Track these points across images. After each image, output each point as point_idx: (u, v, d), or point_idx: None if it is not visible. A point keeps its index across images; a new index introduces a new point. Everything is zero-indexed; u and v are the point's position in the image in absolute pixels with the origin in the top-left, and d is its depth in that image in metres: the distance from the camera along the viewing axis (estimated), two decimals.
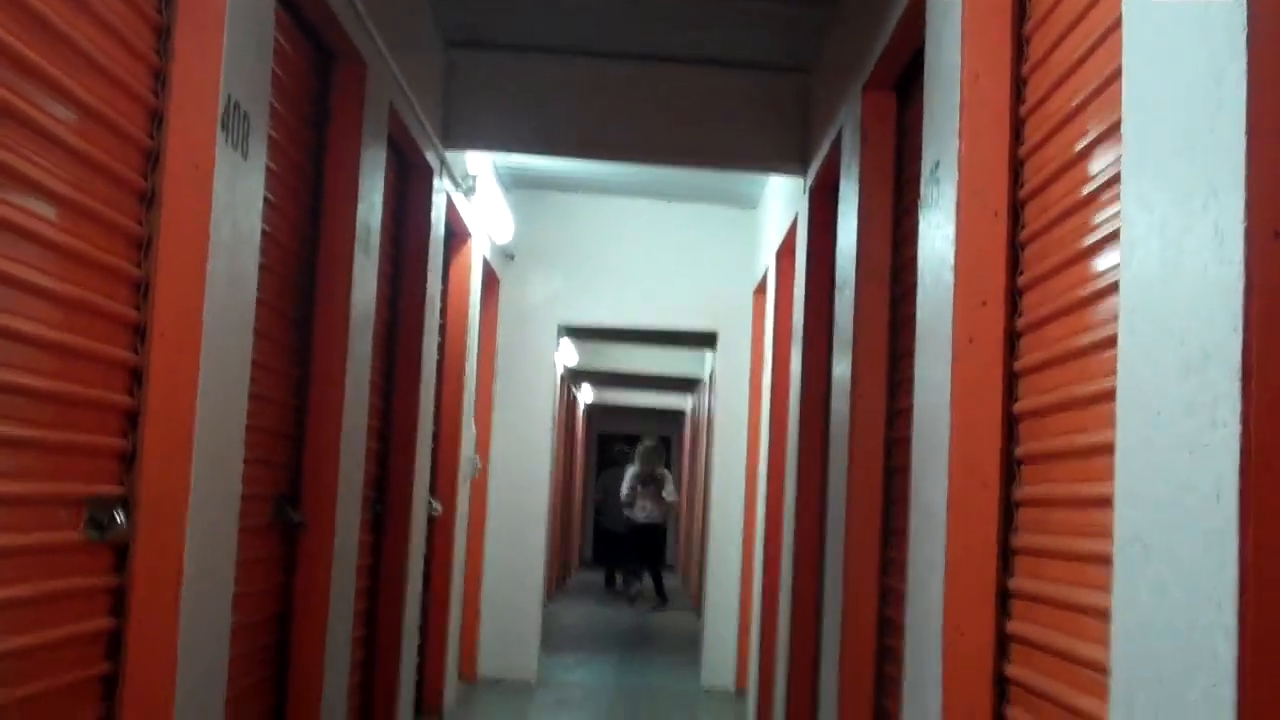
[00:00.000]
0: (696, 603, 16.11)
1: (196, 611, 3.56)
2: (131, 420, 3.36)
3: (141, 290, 3.37)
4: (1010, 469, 3.67)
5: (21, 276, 2.84)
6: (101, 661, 3.34)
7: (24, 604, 2.96)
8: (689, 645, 12.96)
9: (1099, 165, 3.12)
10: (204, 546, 3.59)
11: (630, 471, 18.69)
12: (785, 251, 8.56)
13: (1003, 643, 3.66)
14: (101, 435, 3.27)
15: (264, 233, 4.16)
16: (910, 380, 4.71)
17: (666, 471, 18.78)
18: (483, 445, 10.28)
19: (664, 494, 18.37)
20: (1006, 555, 3.67)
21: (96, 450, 3.25)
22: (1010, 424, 3.67)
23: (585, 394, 23.75)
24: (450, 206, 7.78)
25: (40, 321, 2.95)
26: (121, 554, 3.36)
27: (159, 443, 3.38)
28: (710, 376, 14.94)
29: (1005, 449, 3.67)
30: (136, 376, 3.37)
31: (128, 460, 3.36)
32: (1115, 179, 2.99)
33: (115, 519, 3.25)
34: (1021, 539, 3.57)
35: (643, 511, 18.48)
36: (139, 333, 3.37)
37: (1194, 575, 2.13)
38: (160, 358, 3.37)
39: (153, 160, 3.38)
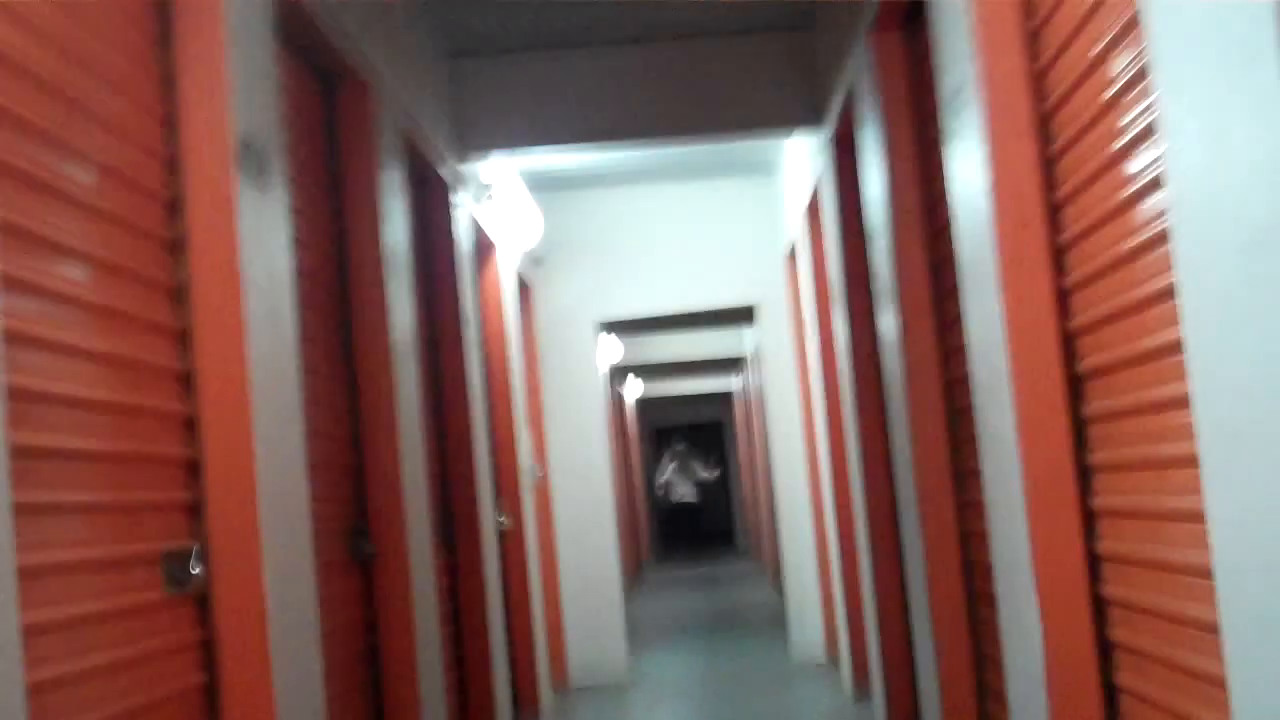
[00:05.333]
0: (775, 580, 16.06)
1: (286, 653, 3.54)
2: (193, 470, 3.35)
3: (183, 341, 3.36)
4: (1076, 387, 3.62)
5: (62, 339, 2.83)
6: (202, 716, 3.34)
7: (117, 667, 2.95)
8: (773, 622, 12.92)
9: (1121, 63, 3.07)
10: (284, 586, 3.58)
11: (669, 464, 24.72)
12: (812, 211, 8.52)
13: (1094, 563, 3.62)
14: (166, 490, 3.26)
15: (294, 268, 4.15)
16: (959, 318, 4.66)
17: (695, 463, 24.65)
18: (539, 452, 10.27)
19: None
20: (1085, 474, 3.62)
21: (163, 505, 3.24)
22: (1069, 341, 3.62)
23: (634, 388, 23.73)
24: (472, 218, 7.76)
25: (86, 382, 2.94)
26: (204, 606, 3.35)
27: (223, 490, 3.37)
28: (754, 352, 14.87)
29: (1068, 367, 3.63)
30: (191, 426, 3.36)
31: (195, 511, 3.35)
32: (1137, 78, 2.94)
33: (192, 571, 3.24)
34: (1097, 455, 3.52)
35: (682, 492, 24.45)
36: (187, 383, 3.36)
37: None
38: (211, 406, 3.37)
39: (174, 210, 3.37)
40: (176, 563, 3.21)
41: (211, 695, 3.38)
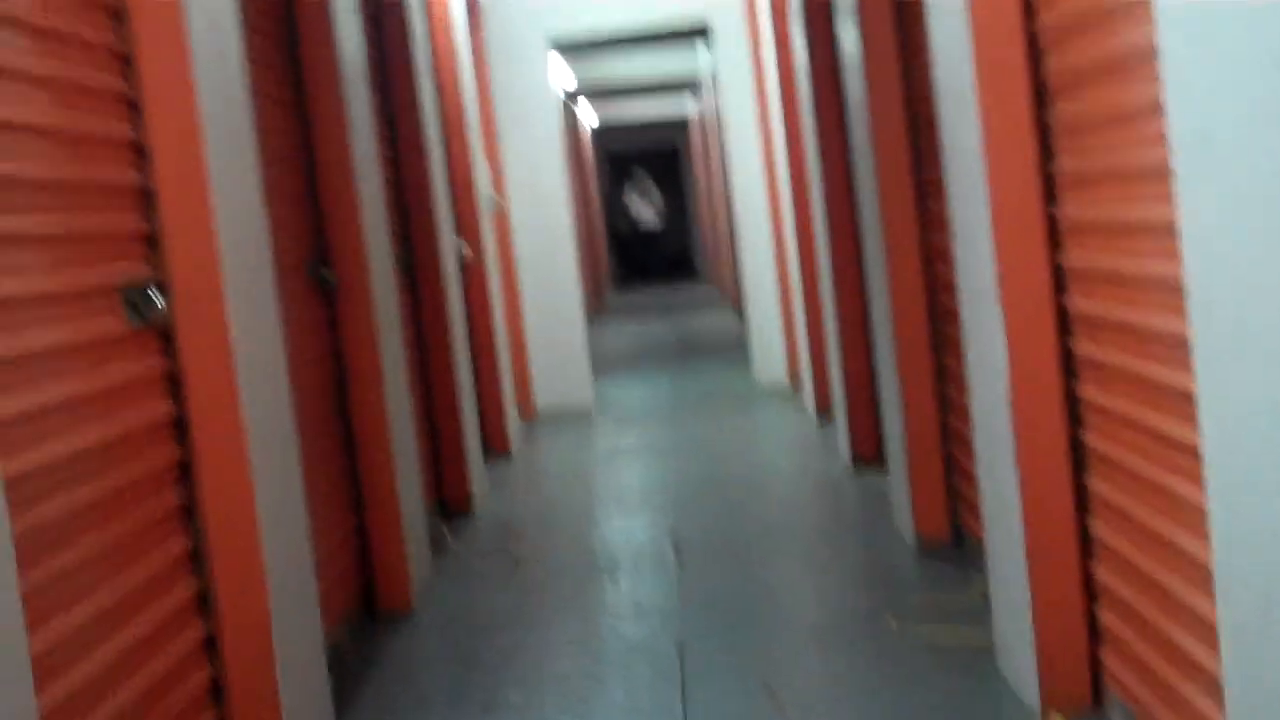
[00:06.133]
0: (736, 305, 16.14)
1: (254, 383, 3.52)
2: (148, 199, 3.28)
3: (129, 63, 3.25)
4: (1040, 93, 3.56)
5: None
6: (173, 446, 3.33)
7: (83, 399, 2.93)
8: (736, 348, 13.01)
9: None
10: (247, 317, 3.54)
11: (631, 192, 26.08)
12: None
13: (1059, 276, 3.61)
14: (121, 217, 3.19)
15: None
16: (921, 29, 4.55)
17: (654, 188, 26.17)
18: (497, 180, 10.14)
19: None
20: (1050, 185, 3.59)
21: (119, 235, 3.18)
22: (1035, 45, 3.54)
23: (588, 115, 23.41)
24: None
25: (27, 106, 2.84)
26: (168, 337, 3.31)
27: (179, 218, 3.30)
28: (711, 73, 14.63)
29: (1033, 71, 3.56)
30: (141, 153, 3.27)
31: (153, 242, 3.28)
32: None
33: (153, 302, 3.19)
34: (1063, 165, 3.49)
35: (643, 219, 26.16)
36: (135, 108, 3.26)
37: (1265, 159, 2.03)
38: (159, 130, 3.27)
39: None
40: (137, 294, 3.16)
41: (181, 427, 3.37)
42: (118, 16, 3.24)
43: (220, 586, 3.42)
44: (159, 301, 3.22)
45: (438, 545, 6.24)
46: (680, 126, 26.84)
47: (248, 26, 4.14)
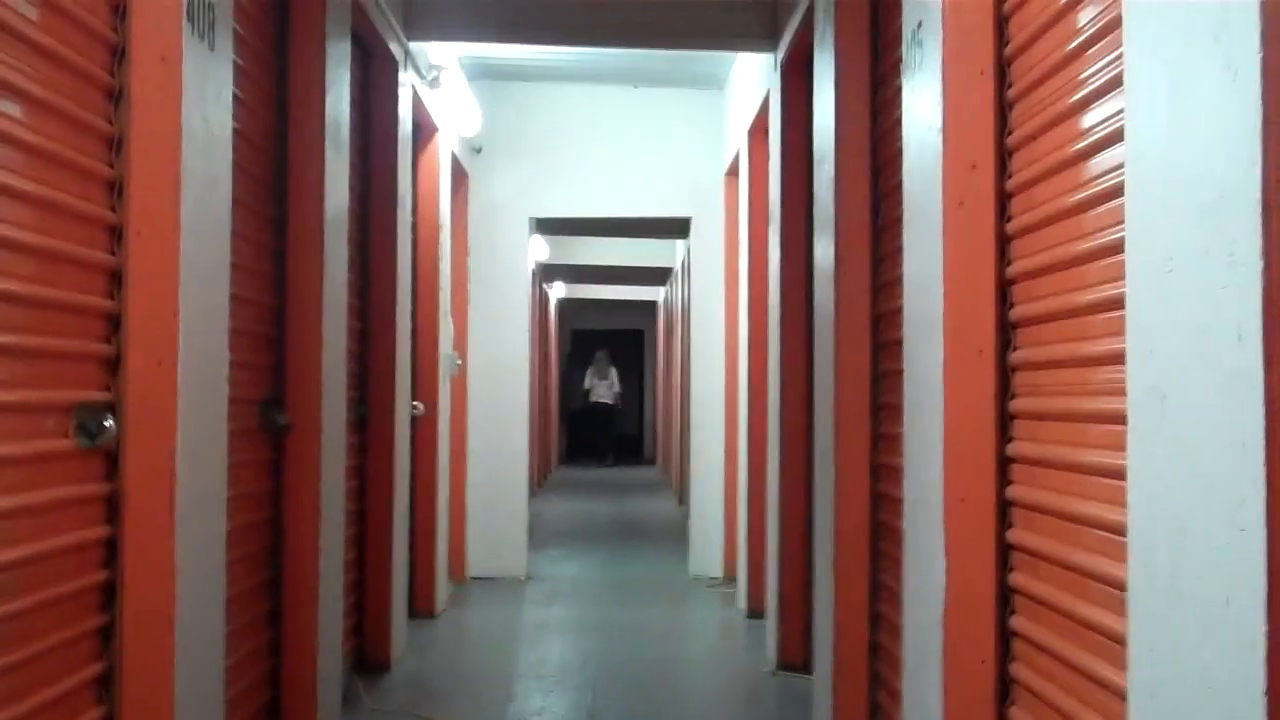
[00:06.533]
0: (680, 493, 16.13)
1: (191, 515, 3.51)
2: (114, 324, 3.29)
3: (116, 190, 3.29)
4: (1005, 333, 3.63)
5: None
6: (100, 569, 3.30)
7: (17, 514, 2.91)
8: (675, 535, 12.99)
9: (1089, 15, 3.05)
10: (195, 449, 3.54)
11: (590, 370, 26.22)
12: (757, 131, 8.46)
13: (1004, 509, 3.65)
14: (85, 340, 3.20)
15: (234, 129, 4.05)
16: (895, 254, 4.66)
17: (613, 369, 26.31)
18: (460, 343, 10.20)
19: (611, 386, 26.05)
20: (1005, 420, 3.64)
21: (80, 356, 3.18)
22: (1004, 288, 3.63)
23: (557, 290, 23.63)
24: (416, 100, 7.65)
25: (12, 223, 2.86)
26: (113, 460, 3.30)
27: (143, 345, 3.30)
28: (683, 265, 14.83)
29: (1000, 313, 3.63)
30: (116, 279, 3.29)
31: (113, 365, 3.29)
32: (1107, 29, 2.93)
33: (104, 425, 3.19)
34: (1020, 403, 3.54)
35: (598, 395, 26.02)
36: (116, 234, 3.29)
37: (1216, 421, 2.09)
38: (138, 258, 3.29)
39: (118, 55, 3.28)
40: (89, 415, 3.16)
41: (112, 549, 3.33)
42: (114, 143, 3.28)
43: (125, 714, 3.35)
44: (110, 425, 3.21)
45: (350, 699, 6.14)
46: (647, 308, 27.08)
47: (239, 168, 4.21)
